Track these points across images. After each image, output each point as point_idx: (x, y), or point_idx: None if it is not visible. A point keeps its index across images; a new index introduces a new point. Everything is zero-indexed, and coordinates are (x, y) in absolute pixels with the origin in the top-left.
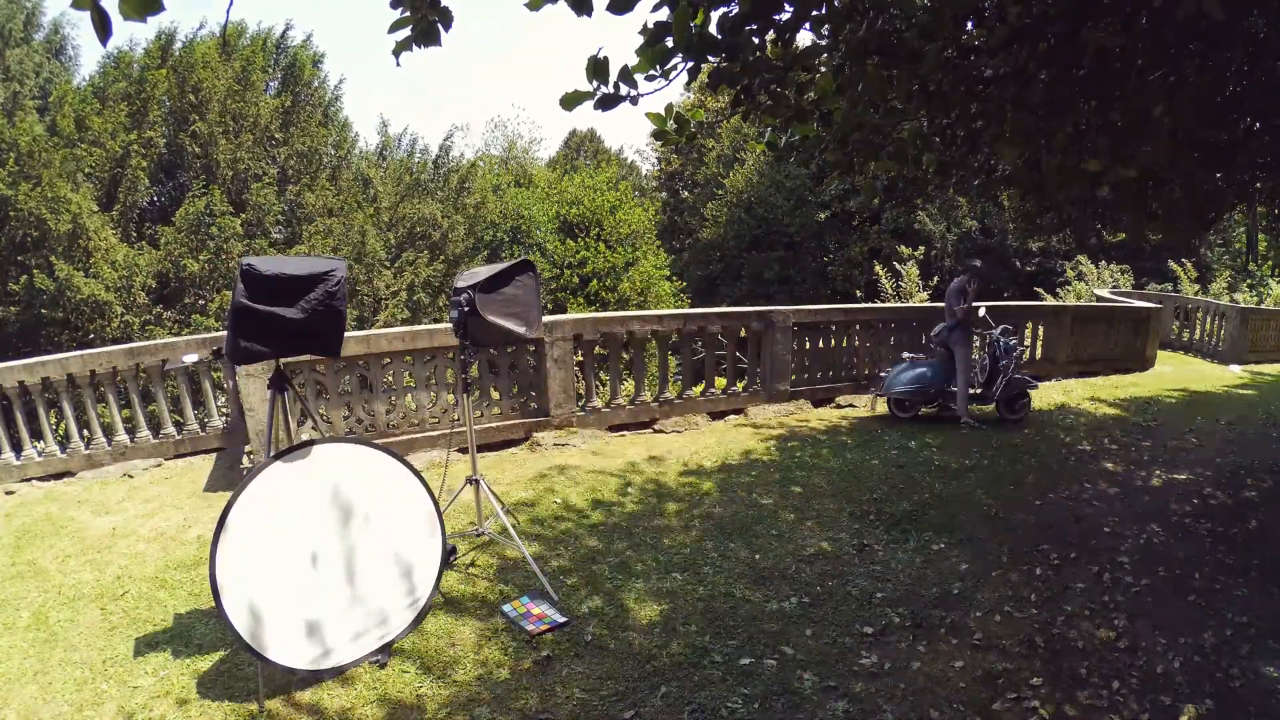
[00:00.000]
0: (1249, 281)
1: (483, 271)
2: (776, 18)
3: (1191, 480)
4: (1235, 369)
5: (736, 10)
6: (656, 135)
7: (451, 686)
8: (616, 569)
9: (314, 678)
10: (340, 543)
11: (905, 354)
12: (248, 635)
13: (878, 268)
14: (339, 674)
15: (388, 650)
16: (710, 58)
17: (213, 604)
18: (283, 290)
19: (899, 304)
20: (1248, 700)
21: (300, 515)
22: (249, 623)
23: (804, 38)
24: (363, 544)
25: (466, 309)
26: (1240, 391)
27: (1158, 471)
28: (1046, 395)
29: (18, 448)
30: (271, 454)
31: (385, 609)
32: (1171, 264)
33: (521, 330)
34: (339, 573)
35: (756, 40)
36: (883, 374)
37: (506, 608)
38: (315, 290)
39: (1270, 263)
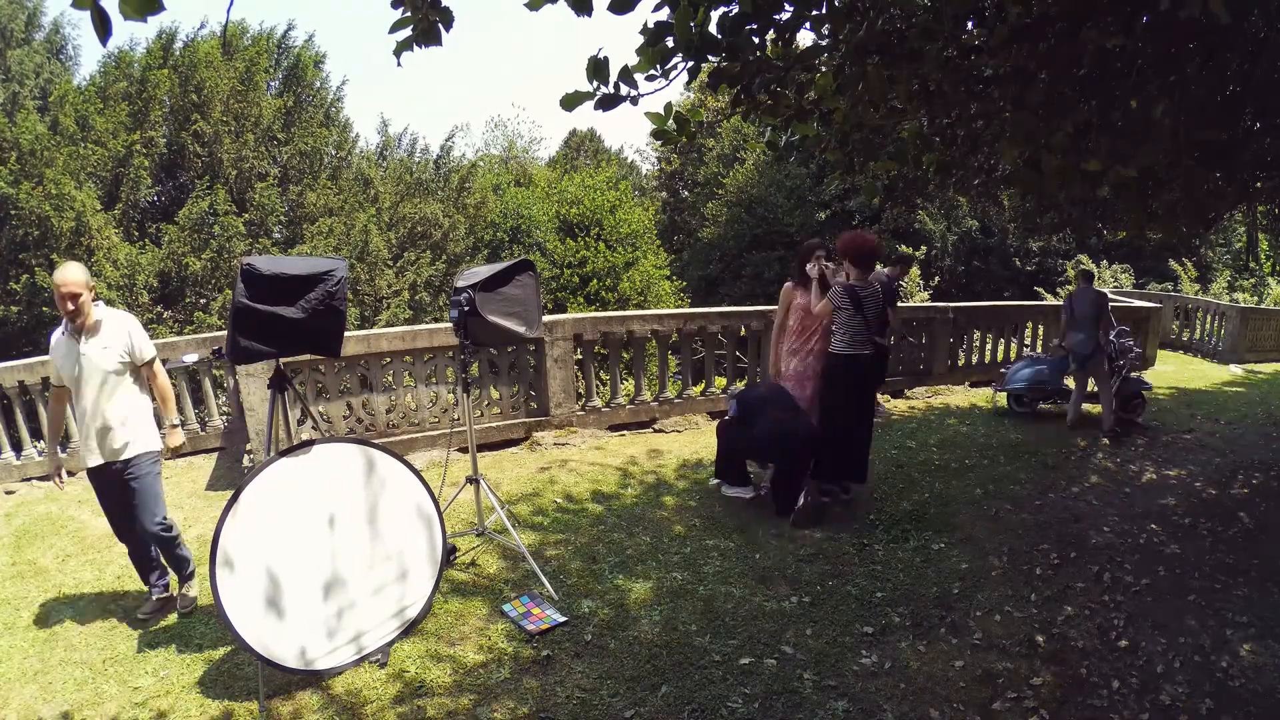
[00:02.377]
0: (1249, 281)
1: (483, 271)
2: (777, 17)
3: (1191, 479)
4: (1235, 368)
5: (737, 10)
6: (656, 135)
7: (451, 686)
8: (616, 567)
9: (315, 677)
10: (340, 541)
11: (1026, 351)
12: (254, 629)
13: (879, 267)
14: (338, 673)
15: (387, 650)
16: (710, 57)
17: (213, 603)
18: (283, 290)
19: (899, 303)
20: (1247, 700)
21: (303, 511)
22: (256, 610)
23: (804, 37)
24: (363, 542)
25: (466, 308)
26: (1239, 391)
27: (1157, 471)
28: None
29: (18, 447)
30: (274, 452)
31: (383, 607)
32: (1172, 264)
33: (522, 330)
34: (339, 568)
35: (756, 40)
36: (1003, 370)
37: (506, 607)
38: (315, 290)
39: (1271, 262)
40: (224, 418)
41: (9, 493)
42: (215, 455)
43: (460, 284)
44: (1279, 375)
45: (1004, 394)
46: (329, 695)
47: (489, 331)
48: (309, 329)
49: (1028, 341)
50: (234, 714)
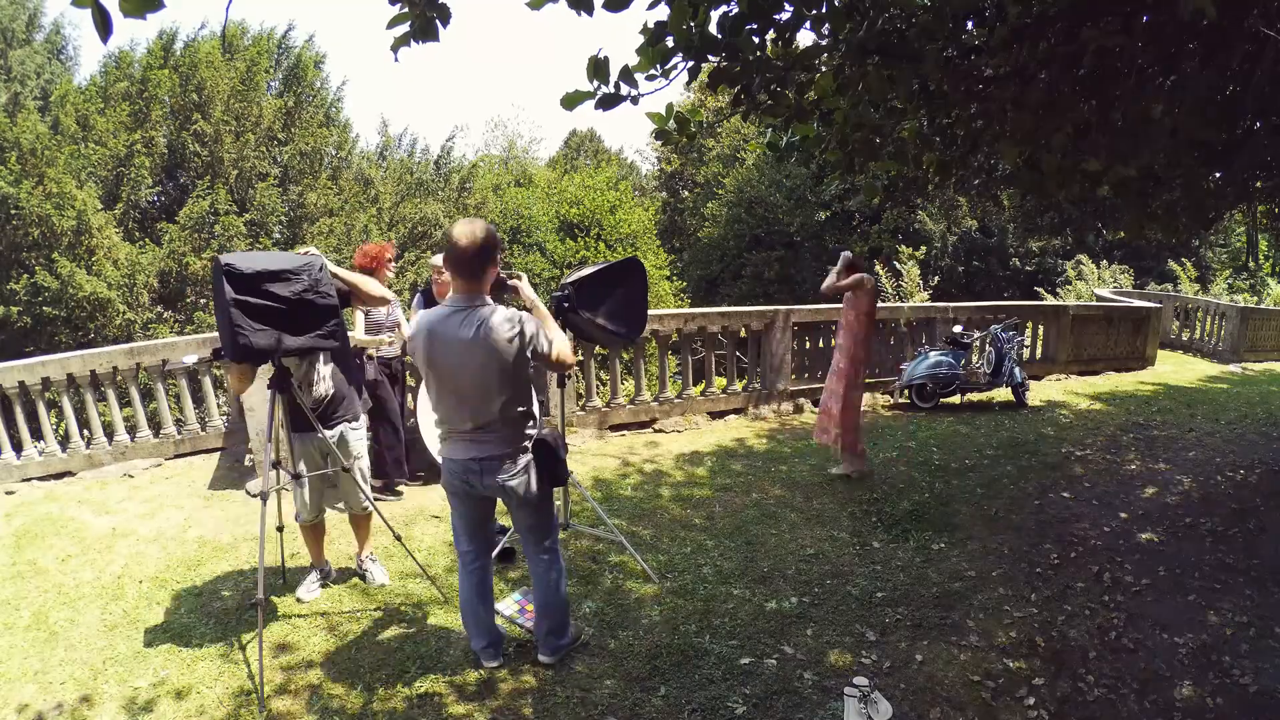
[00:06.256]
0: (1249, 281)
1: (586, 269)
2: (777, 17)
3: (1191, 479)
4: (1236, 368)
5: (736, 10)
6: (657, 135)
7: (448, 686)
8: (615, 568)
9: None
10: None
11: (921, 347)
12: None
13: (878, 267)
14: None
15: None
16: (710, 57)
17: (212, 603)
18: (268, 282)
19: (899, 303)
20: (1247, 700)
21: None
22: None
23: (804, 37)
24: None
25: (566, 305)
26: (1239, 390)
27: (1158, 470)
28: (1047, 394)
29: (18, 447)
30: (273, 454)
31: None
32: (1171, 264)
33: (621, 330)
34: None
35: (756, 40)
36: (902, 367)
37: (500, 605)
38: (300, 278)
39: (1270, 262)
40: (224, 418)
41: (9, 493)
42: (216, 455)
43: (565, 280)
44: (1271, 373)
45: (905, 390)
46: (326, 693)
47: (587, 329)
48: (305, 312)
49: (1028, 341)
50: (236, 712)
